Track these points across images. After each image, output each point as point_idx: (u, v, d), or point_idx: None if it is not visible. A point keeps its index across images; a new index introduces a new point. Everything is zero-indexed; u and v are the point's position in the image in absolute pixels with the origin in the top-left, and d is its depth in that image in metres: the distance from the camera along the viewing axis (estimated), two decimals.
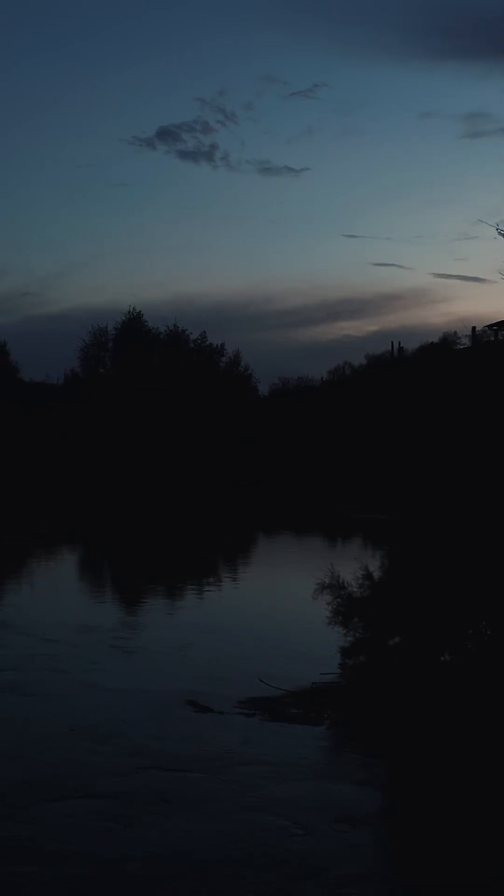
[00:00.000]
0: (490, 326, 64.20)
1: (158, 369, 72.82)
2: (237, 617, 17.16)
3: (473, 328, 66.19)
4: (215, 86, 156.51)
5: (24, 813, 7.96)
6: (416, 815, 8.03)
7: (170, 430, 67.82)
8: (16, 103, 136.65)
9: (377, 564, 12.39)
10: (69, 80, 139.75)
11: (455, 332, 75.84)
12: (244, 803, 8.08)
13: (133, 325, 75.18)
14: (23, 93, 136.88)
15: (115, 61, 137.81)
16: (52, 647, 13.77)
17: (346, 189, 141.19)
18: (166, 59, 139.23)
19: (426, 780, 8.78)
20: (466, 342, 70.82)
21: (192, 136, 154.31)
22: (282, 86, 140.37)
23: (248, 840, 7.37)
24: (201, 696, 10.94)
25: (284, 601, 18.82)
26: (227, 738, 9.61)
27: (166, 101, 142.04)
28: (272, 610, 17.98)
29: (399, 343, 77.55)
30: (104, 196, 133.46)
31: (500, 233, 13.61)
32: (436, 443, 16.26)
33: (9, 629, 15.02)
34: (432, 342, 74.62)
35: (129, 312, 75.52)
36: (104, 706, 10.87)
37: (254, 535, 37.82)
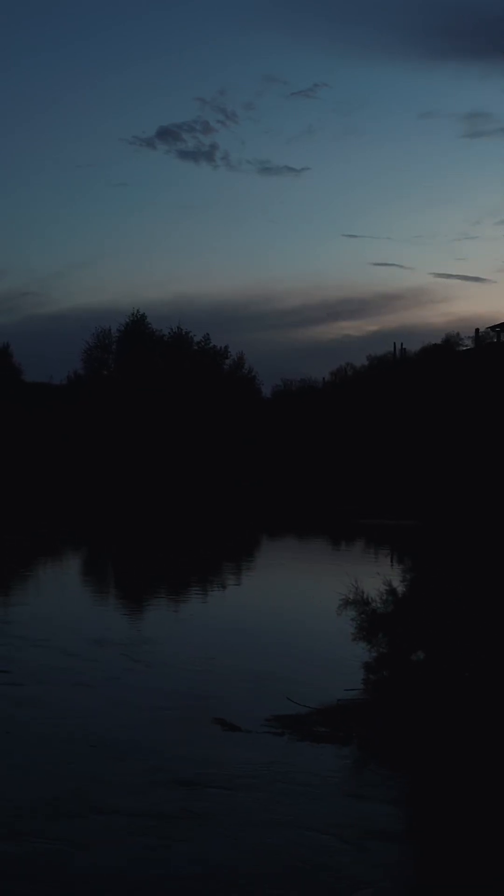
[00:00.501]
0: (493, 328, 64.27)
1: (162, 371, 72.78)
2: (255, 626, 17.07)
3: (477, 330, 66.27)
4: (215, 85, 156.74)
5: (52, 830, 7.92)
6: (442, 832, 8.04)
7: (173, 431, 67.74)
8: (16, 103, 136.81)
9: (399, 578, 12.36)
10: (69, 80, 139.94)
11: (458, 334, 75.97)
12: (275, 820, 8.06)
13: (137, 328, 75.09)
14: (23, 93, 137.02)
15: (115, 61, 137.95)
16: (72, 661, 13.72)
17: (346, 189, 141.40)
18: (166, 59, 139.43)
19: (452, 795, 8.76)
20: (469, 343, 70.93)
21: (192, 136, 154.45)
22: (282, 85, 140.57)
23: (280, 857, 7.40)
24: (227, 712, 10.90)
25: (301, 609, 18.78)
26: (255, 756, 9.59)
27: (166, 101, 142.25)
28: (289, 616, 17.97)
29: (402, 345, 77.59)
30: (104, 196, 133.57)
31: None
32: (454, 451, 16.21)
33: (27, 641, 14.95)
34: (435, 344, 74.66)
35: (132, 314, 75.64)
36: (128, 723, 10.83)
37: (257, 539, 37.81)
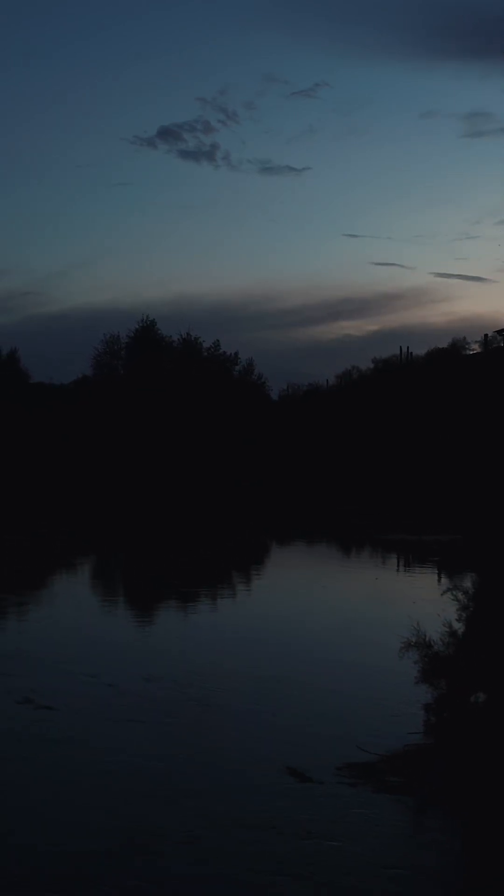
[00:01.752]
0: (499, 332, 64.49)
1: (171, 377, 72.86)
2: (306, 655, 16.74)
3: (485, 335, 66.52)
4: (216, 85, 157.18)
5: (119, 876, 7.87)
6: None
7: (179, 434, 67.93)
8: (16, 103, 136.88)
9: (455, 613, 12.29)
10: (69, 80, 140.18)
11: (464, 338, 76.38)
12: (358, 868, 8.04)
13: (146, 334, 75.10)
14: (23, 93, 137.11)
15: (115, 61, 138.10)
16: (119, 696, 13.58)
17: (346, 189, 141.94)
18: (166, 59, 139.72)
19: None
20: (476, 347, 71.03)
21: (193, 136, 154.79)
22: (283, 85, 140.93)
23: None
24: (294, 759, 10.83)
25: (359, 641, 18.32)
26: (327, 806, 9.56)
27: (167, 101, 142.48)
28: (346, 647, 17.57)
29: (408, 348, 77.70)
30: (105, 196, 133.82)
31: None
32: (490, 463, 16.15)
33: (76, 677, 14.78)
34: (441, 347, 74.88)
35: (142, 320, 75.58)
36: (185, 765, 10.76)
37: (262, 542, 37.91)
